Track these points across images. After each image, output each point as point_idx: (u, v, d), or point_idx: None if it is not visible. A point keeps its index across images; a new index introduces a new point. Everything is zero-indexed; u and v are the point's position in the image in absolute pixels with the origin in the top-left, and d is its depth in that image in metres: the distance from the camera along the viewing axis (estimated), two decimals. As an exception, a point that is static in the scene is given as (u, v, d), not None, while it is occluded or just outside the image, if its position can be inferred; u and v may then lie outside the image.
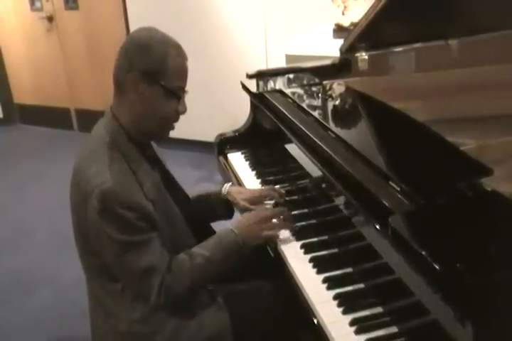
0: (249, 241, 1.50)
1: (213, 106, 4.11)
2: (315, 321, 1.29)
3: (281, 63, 3.12)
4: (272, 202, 1.76)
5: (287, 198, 1.80)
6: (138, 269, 1.36)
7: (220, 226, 1.65)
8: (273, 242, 1.56)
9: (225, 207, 1.76)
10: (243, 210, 1.75)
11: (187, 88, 1.45)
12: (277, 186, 1.84)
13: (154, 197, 1.40)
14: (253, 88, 2.18)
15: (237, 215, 1.80)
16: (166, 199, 1.47)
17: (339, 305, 1.30)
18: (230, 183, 1.81)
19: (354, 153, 1.45)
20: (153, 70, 1.37)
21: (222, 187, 1.77)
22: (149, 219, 1.36)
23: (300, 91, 2.07)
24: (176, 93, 1.41)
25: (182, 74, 1.42)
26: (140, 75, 1.37)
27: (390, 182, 1.27)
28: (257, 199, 1.74)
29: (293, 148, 1.83)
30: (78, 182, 1.39)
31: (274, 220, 1.58)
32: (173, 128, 1.48)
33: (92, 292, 1.52)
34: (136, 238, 1.34)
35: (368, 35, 1.95)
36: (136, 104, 1.40)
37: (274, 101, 1.98)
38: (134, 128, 1.43)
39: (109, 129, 1.42)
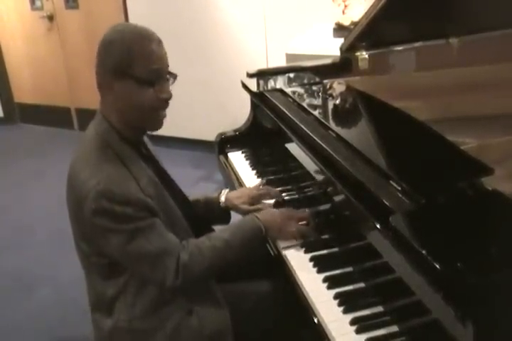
0: (270, 232, 1.50)
1: (214, 105, 4.11)
2: (315, 320, 1.29)
3: (281, 62, 3.12)
4: (271, 201, 1.76)
5: (287, 197, 1.81)
6: (149, 254, 1.35)
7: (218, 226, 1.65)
8: (272, 242, 1.56)
9: (222, 214, 1.75)
10: (246, 214, 1.75)
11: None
12: (279, 188, 1.85)
13: (152, 193, 1.39)
14: (253, 87, 2.17)
15: (234, 218, 1.79)
16: (164, 197, 1.46)
17: (340, 305, 1.30)
18: (227, 190, 1.79)
19: (354, 152, 1.45)
20: (120, 64, 1.34)
21: (220, 193, 1.76)
22: (150, 209, 1.36)
23: (300, 90, 2.07)
24: (147, 80, 1.36)
25: (152, 57, 1.36)
26: (112, 74, 1.35)
27: (391, 182, 1.27)
28: (255, 200, 1.74)
29: (293, 148, 1.83)
30: (73, 187, 1.38)
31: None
32: (164, 116, 1.43)
33: (92, 291, 1.52)
34: (140, 224, 1.34)
35: (368, 34, 1.95)
36: (117, 103, 1.39)
37: (274, 101, 1.98)
38: (125, 126, 1.42)
39: (99, 130, 1.42)
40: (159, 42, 1.39)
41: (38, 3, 4.85)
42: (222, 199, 1.74)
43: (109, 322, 1.46)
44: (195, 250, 1.40)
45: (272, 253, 1.58)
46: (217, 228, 1.67)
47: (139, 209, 1.33)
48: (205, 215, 1.74)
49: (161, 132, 1.50)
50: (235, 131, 2.26)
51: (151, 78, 1.36)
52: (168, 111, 1.44)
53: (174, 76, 1.41)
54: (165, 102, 1.41)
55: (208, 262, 1.41)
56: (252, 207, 1.71)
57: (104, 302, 1.47)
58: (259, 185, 1.82)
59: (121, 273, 1.42)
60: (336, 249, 1.51)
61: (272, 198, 1.77)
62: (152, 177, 1.44)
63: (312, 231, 1.56)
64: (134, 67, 1.34)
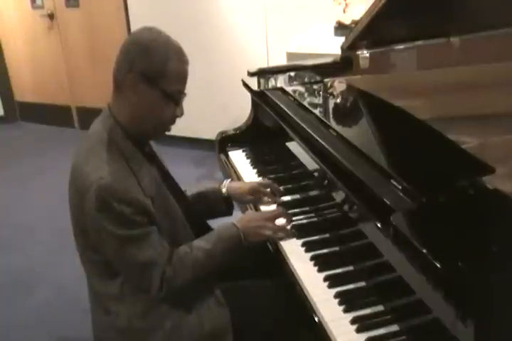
0: (249, 238, 1.51)
1: (214, 104, 4.11)
2: (316, 319, 1.29)
3: (282, 61, 3.12)
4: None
5: (288, 197, 1.80)
6: (138, 263, 1.37)
7: (218, 223, 1.65)
8: (272, 242, 1.57)
9: (225, 204, 1.77)
10: (245, 205, 1.76)
11: (186, 90, 1.45)
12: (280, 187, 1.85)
13: (152, 193, 1.40)
14: (254, 86, 2.17)
15: (236, 212, 1.81)
16: (165, 195, 1.48)
17: (340, 304, 1.30)
18: (229, 179, 1.82)
19: (355, 151, 1.45)
20: (153, 73, 1.37)
21: (221, 184, 1.78)
22: (147, 213, 1.37)
23: (301, 89, 2.06)
24: (173, 97, 1.42)
25: (181, 78, 1.42)
26: (140, 77, 1.37)
27: (392, 181, 1.27)
28: (256, 191, 1.76)
29: (294, 146, 1.83)
30: (75, 179, 1.39)
31: (277, 221, 1.58)
32: (169, 129, 1.49)
33: (91, 288, 1.52)
34: (135, 232, 1.35)
35: (369, 33, 1.94)
36: (134, 105, 1.41)
37: (275, 99, 1.97)
38: (132, 126, 1.43)
39: (106, 126, 1.42)
40: (188, 64, 1.44)
41: (38, 2, 4.84)
42: (224, 189, 1.76)
43: (109, 321, 1.46)
44: (179, 263, 1.41)
45: (272, 252, 1.58)
46: (216, 225, 1.68)
47: (136, 211, 1.34)
48: (208, 207, 1.75)
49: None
50: (236, 129, 2.26)
51: (177, 97, 1.42)
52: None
53: (185, 95, 1.46)
54: (175, 119, 1.47)
55: (190, 274, 1.43)
56: (253, 197, 1.75)
57: (102, 300, 1.47)
58: (263, 181, 1.83)
59: (118, 271, 1.43)
60: (336, 248, 1.51)
61: (272, 191, 1.79)
62: (154, 176, 1.46)
63: (288, 229, 1.59)
64: (166, 82, 1.38)
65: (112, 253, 1.38)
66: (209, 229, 1.65)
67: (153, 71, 1.37)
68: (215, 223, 1.70)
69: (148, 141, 1.56)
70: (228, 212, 1.80)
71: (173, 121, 1.47)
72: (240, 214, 1.73)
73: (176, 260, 1.41)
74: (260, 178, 1.96)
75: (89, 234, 1.39)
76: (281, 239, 1.56)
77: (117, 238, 1.34)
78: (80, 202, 1.35)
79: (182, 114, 1.46)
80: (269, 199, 1.78)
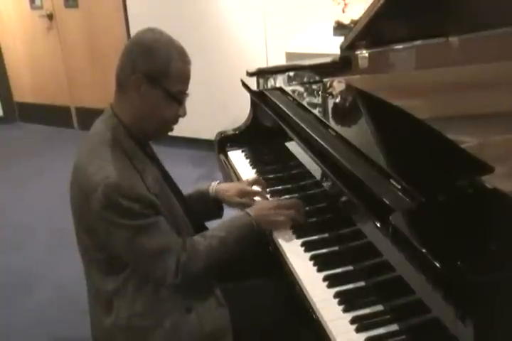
0: (262, 225, 1.53)
1: (214, 104, 4.11)
2: (315, 319, 1.29)
3: (281, 61, 3.12)
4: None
5: (287, 196, 1.80)
6: (151, 251, 1.37)
7: (215, 224, 1.65)
8: (272, 241, 1.57)
9: (215, 206, 1.78)
10: (236, 206, 1.76)
11: (188, 90, 1.46)
12: (279, 187, 1.85)
13: (156, 191, 1.42)
14: (253, 86, 2.17)
15: (227, 213, 1.80)
16: (167, 194, 1.49)
17: (340, 303, 1.30)
18: (217, 181, 1.81)
19: (355, 150, 1.45)
20: (156, 73, 1.39)
21: (210, 186, 1.77)
22: (154, 207, 1.38)
23: (300, 88, 2.06)
24: (176, 97, 1.43)
25: (184, 78, 1.44)
26: (143, 77, 1.38)
27: (391, 180, 1.27)
28: (245, 192, 1.76)
29: (293, 146, 1.83)
30: (79, 179, 1.40)
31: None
32: (171, 130, 1.50)
33: (91, 287, 1.52)
34: (145, 221, 1.36)
35: (368, 33, 1.95)
36: (137, 105, 1.42)
37: (274, 99, 1.97)
38: (135, 126, 1.44)
39: (109, 126, 1.43)
40: (190, 64, 1.46)
41: (37, 2, 4.84)
42: (212, 191, 1.76)
43: (108, 319, 1.46)
44: (193, 250, 1.42)
45: (272, 252, 1.58)
46: (210, 226, 1.68)
47: (144, 206, 1.35)
48: (199, 210, 1.75)
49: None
50: (235, 129, 2.26)
51: (180, 97, 1.44)
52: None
53: (188, 95, 1.47)
54: (178, 119, 1.48)
55: (204, 261, 1.43)
56: (242, 200, 1.74)
57: (103, 298, 1.47)
58: (252, 181, 1.83)
59: (120, 269, 1.43)
60: (335, 248, 1.50)
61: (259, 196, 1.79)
62: (157, 175, 1.48)
63: (302, 215, 1.59)
64: (169, 82, 1.40)
65: (123, 246, 1.38)
66: (205, 229, 1.66)
67: (156, 71, 1.38)
68: (212, 223, 1.70)
69: (150, 141, 1.56)
70: (218, 215, 1.80)
71: (175, 121, 1.48)
72: (234, 213, 1.73)
73: (189, 246, 1.42)
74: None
75: (94, 232, 1.39)
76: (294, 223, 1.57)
77: (128, 229, 1.35)
78: (85, 201, 1.35)
79: (185, 113, 1.47)
80: (259, 199, 1.77)
